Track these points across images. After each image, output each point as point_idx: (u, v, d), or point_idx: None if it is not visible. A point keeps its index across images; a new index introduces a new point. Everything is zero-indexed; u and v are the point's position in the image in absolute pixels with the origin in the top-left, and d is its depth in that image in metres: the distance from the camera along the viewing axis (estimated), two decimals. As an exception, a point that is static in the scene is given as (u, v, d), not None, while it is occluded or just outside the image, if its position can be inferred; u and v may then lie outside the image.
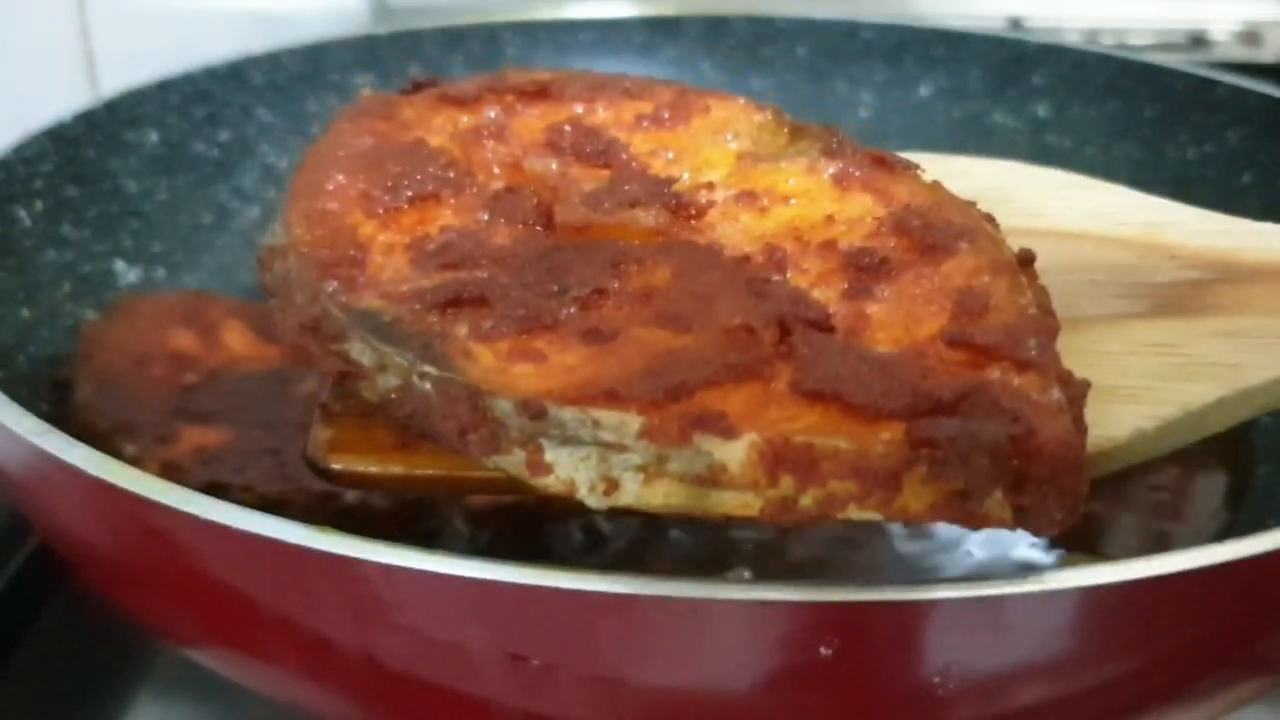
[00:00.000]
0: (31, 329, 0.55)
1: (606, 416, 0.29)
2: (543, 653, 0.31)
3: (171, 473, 0.48)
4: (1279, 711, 0.45)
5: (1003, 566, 0.49)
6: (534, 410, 0.29)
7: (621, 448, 0.29)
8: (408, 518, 0.49)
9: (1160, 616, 0.31)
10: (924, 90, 0.75)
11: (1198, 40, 0.99)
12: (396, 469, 0.33)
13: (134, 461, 0.45)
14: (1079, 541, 0.50)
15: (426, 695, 0.34)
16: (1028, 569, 0.49)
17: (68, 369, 0.54)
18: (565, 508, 0.49)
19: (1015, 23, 1.01)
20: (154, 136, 0.65)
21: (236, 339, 0.57)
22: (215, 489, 0.46)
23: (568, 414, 0.29)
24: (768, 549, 0.49)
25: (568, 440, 0.30)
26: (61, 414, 0.51)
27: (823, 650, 0.29)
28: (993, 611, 0.29)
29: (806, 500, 0.29)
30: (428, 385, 0.31)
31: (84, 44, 0.70)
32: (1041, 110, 0.72)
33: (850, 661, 0.30)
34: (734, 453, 0.28)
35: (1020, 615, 0.30)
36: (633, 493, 0.30)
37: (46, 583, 0.50)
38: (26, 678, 0.48)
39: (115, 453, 0.45)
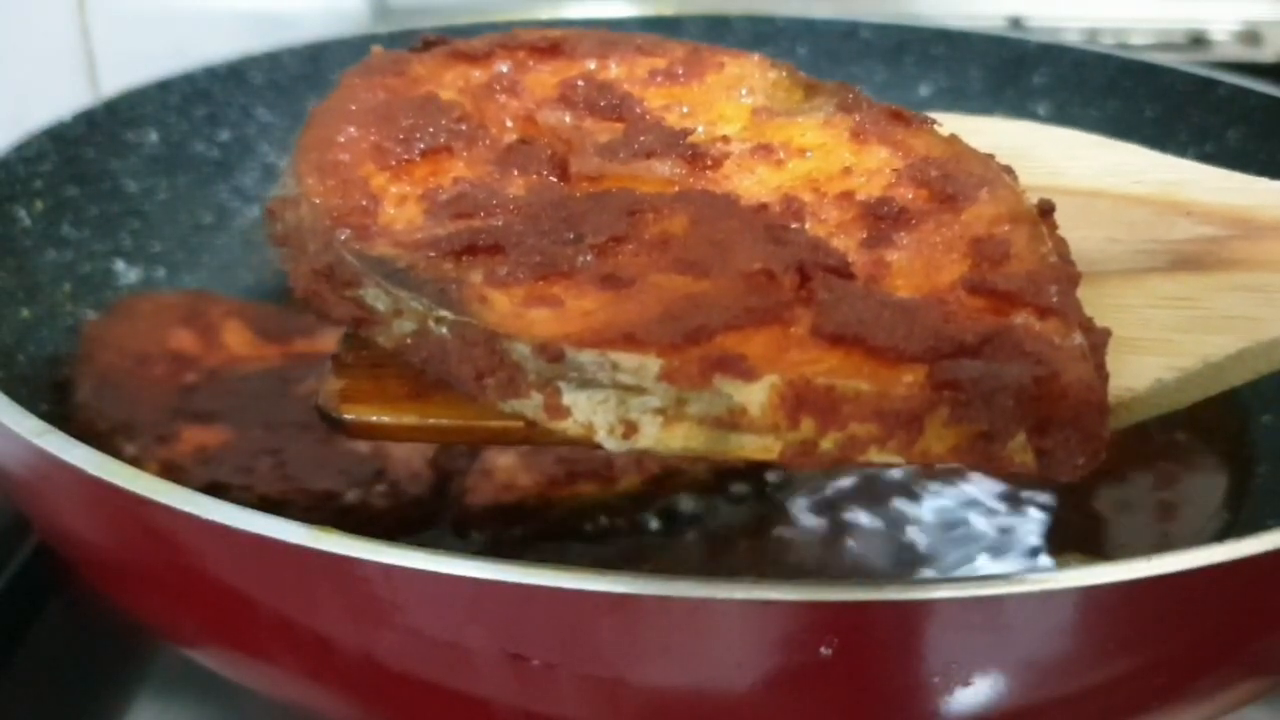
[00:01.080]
0: (31, 329, 0.55)
1: (625, 359, 0.29)
2: (543, 653, 0.31)
3: (171, 473, 0.48)
4: (1279, 711, 0.45)
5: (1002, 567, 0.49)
6: (552, 353, 0.29)
7: (640, 390, 0.29)
8: (407, 518, 0.49)
9: (1160, 616, 0.31)
10: (924, 90, 0.75)
11: (1198, 40, 0.99)
12: (409, 418, 0.32)
13: (134, 461, 0.45)
14: (1079, 541, 0.50)
15: (426, 695, 0.34)
16: (1027, 569, 0.49)
17: (68, 369, 0.54)
18: (564, 506, 0.50)
19: (1015, 22, 1.01)
20: (154, 136, 0.65)
21: (236, 339, 0.57)
22: (215, 489, 0.46)
23: (586, 357, 0.29)
24: (767, 548, 0.49)
25: (586, 383, 0.29)
26: (61, 414, 0.51)
27: (823, 650, 0.29)
28: (993, 611, 0.29)
29: (827, 443, 0.28)
30: (444, 330, 0.31)
31: (84, 44, 0.70)
32: (1041, 110, 0.72)
33: (850, 661, 0.30)
34: (754, 395, 0.28)
35: (1020, 615, 0.30)
36: (651, 436, 0.29)
37: (46, 583, 0.50)
38: (26, 678, 0.48)
39: (115, 453, 0.45)
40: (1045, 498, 0.52)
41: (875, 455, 0.28)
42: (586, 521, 0.50)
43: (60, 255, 0.58)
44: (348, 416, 0.32)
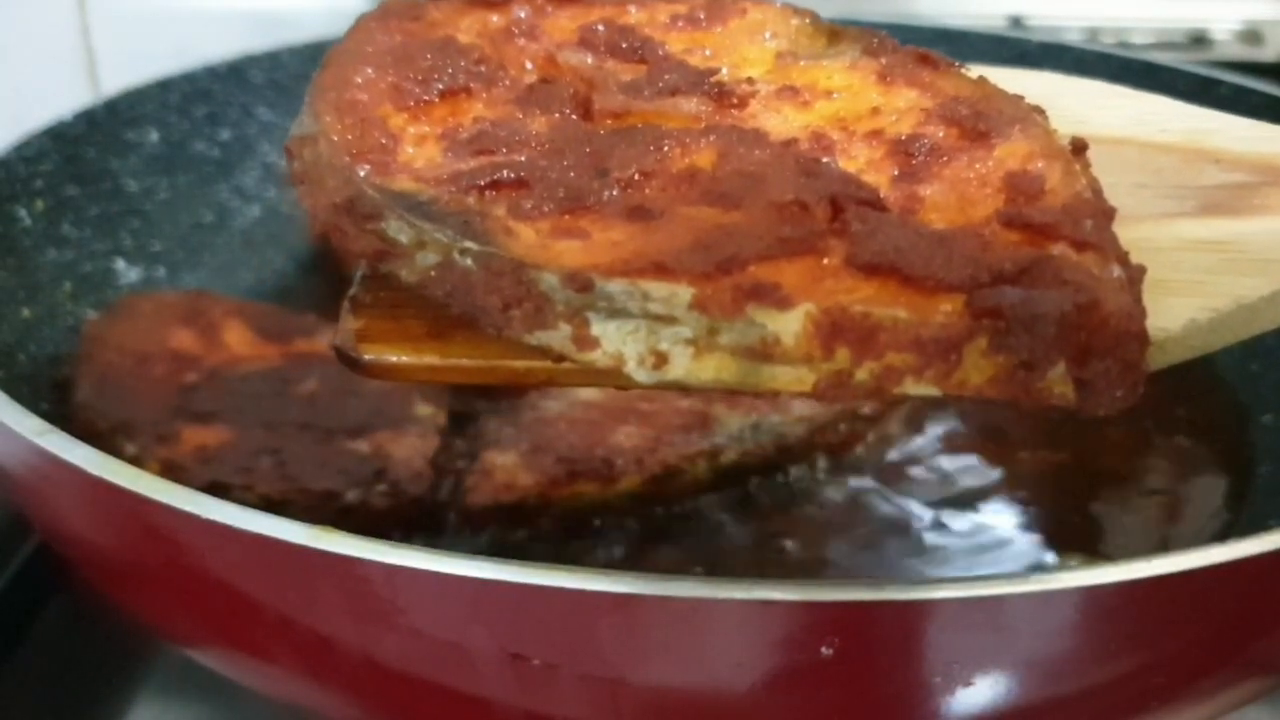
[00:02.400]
0: (32, 329, 0.55)
1: (656, 288, 0.28)
2: (543, 653, 0.31)
3: (172, 472, 0.48)
4: (1279, 711, 0.45)
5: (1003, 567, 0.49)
6: (581, 282, 0.29)
7: (671, 320, 0.28)
8: (407, 518, 0.49)
9: (1160, 616, 0.31)
10: (924, 90, 0.75)
11: (1198, 39, 0.99)
12: (430, 358, 0.31)
13: (134, 461, 0.45)
14: (1079, 541, 0.50)
15: (427, 695, 0.34)
16: (1028, 569, 0.49)
17: (68, 369, 0.54)
18: (564, 506, 0.50)
19: (1016, 21, 1.01)
20: (154, 136, 0.65)
21: (236, 339, 0.57)
22: (215, 489, 0.46)
23: (615, 286, 0.28)
24: (768, 548, 0.49)
25: (615, 313, 0.29)
26: (62, 414, 0.51)
27: (823, 650, 0.29)
28: (993, 611, 0.29)
29: (862, 374, 0.28)
30: (469, 261, 0.30)
31: (84, 44, 0.70)
32: (1042, 110, 0.72)
33: (850, 661, 0.30)
34: (788, 324, 0.28)
35: (1020, 615, 0.30)
36: (682, 367, 0.29)
37: (46, 583, 0.50)
38: (26, 678, 0.48)
39: (115, 452, 0.45)
40: (1045, 498, 0.52)
41: (911, 387, 0.28)
42: (586, 521, 0.50)
43: (60, 255, 0.58)
44: (367, 357, 0.31)
